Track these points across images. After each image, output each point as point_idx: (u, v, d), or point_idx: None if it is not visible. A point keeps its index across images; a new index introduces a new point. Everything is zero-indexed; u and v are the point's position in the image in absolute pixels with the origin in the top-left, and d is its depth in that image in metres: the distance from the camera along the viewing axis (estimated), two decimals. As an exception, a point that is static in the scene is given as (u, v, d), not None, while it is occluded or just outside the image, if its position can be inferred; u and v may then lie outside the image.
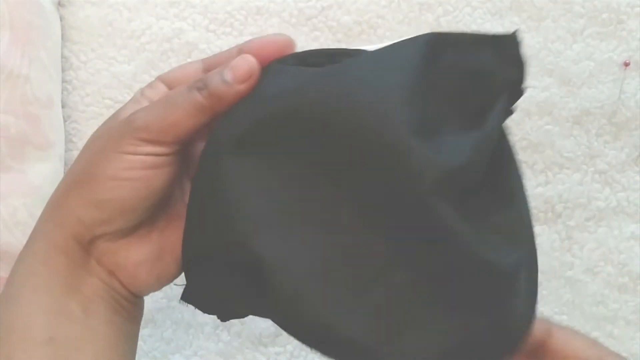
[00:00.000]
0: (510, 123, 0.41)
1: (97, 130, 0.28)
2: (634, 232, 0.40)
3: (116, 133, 0.26)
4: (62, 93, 0.40)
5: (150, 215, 0.27)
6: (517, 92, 0.26)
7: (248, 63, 0.26)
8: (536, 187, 0.40)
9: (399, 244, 0.24)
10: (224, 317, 0.29)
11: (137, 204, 0.26)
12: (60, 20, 0.41)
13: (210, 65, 0.28)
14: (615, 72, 0.41)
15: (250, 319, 0.40)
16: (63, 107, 0.40)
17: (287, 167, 0.25)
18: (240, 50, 0.27)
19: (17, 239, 0.36)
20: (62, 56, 0.41)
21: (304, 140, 0.24)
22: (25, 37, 0.36)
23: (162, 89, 0.28)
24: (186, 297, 0.28)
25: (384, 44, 0.25)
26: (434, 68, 0.24)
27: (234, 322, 0.40)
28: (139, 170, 0.26)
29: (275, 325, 0.26)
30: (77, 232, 0.26)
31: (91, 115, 0.41)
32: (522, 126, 0.40)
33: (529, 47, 0.41)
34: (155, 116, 0.25)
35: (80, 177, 0.26)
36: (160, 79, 0.28)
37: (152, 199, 0.26)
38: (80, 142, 0.41)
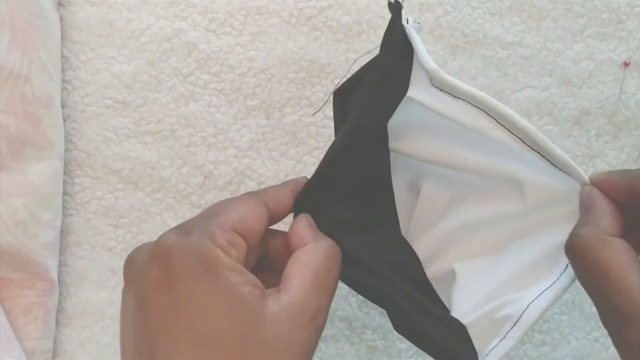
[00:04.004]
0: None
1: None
2: (634, 232, 0.40)
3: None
4: (62, 93, 0.40)
5: None
6: None
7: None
8: (536, 187, 0.40)
9: None
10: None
11: None
12: (60, 20, 0.41)
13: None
14: (615, 72, 0.41)
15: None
16: (63, 107, 0.40)
17: None
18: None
19: (17, 239, 0.36)
20: (62, 56, 0.41)
21: None
22: (25, 37, 0.36)
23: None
24: None
25: None
26: None
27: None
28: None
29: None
30: None
31: (91, 115, 0.41)
32: (522, 126, 0.40)
33: (529, 47, 0.41)
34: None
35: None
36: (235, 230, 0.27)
37: None
38: (80, 142, 0.41)
